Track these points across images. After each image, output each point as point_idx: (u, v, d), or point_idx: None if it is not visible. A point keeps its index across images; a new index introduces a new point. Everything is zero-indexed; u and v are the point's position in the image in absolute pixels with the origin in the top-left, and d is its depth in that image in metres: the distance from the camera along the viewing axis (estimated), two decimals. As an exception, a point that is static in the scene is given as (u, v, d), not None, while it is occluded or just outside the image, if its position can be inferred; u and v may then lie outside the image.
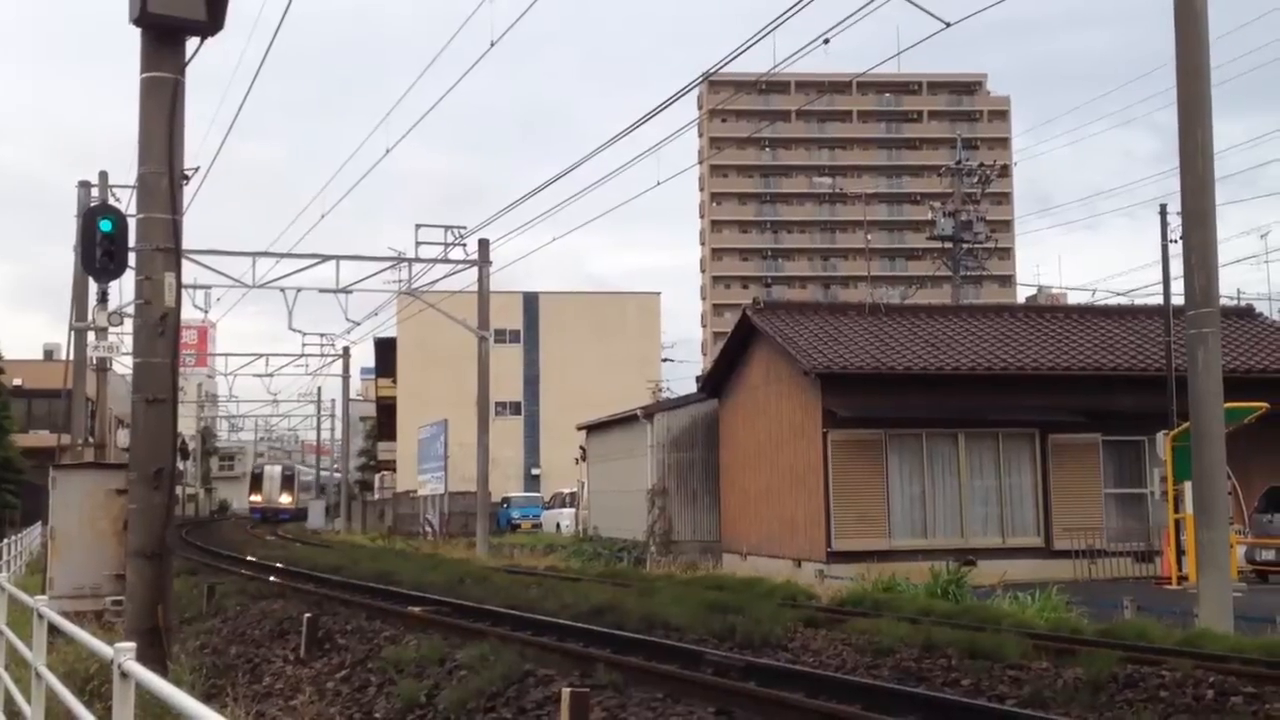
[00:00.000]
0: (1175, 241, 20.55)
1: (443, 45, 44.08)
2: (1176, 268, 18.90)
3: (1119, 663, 10.22)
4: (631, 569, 27.30)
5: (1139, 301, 37.07)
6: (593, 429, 41.48)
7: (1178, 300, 18.04)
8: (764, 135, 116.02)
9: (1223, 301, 19.73)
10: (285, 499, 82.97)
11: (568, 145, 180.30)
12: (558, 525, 50.28)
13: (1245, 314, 30.72)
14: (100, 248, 10.66)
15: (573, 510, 48.78)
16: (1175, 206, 14.80)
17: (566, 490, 53.01)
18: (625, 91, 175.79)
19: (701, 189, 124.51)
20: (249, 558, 29.24)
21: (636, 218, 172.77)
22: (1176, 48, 14.38)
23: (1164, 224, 25.07)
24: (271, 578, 21.73)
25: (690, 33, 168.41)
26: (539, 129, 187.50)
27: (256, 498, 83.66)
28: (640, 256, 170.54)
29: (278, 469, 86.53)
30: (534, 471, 69.15)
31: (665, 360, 74.29)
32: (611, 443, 38.76)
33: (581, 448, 43.86)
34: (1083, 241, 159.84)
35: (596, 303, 73.62)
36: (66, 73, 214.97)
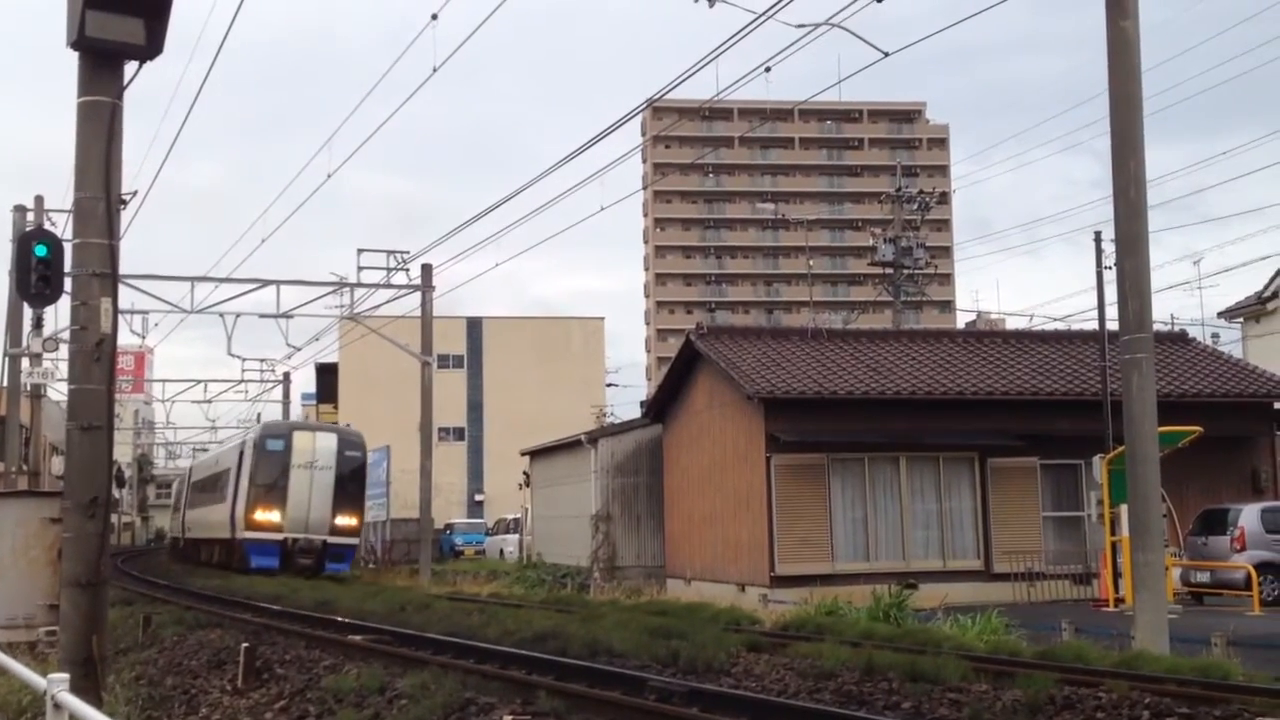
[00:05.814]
0: (1110, 268, 20.86)
1: (385, 70, 43.97)
2: (1112, 294, 19.19)
3: (1056, 684, 10.33)
4: (575, 595, 27.20)
5: (1076, 327, 37.63)
6: (537, 454, 41.36)
7: (1113, 326, 18.30)
8: (707, 161, 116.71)
9: (1157, 327, 20.07)
10: (347, 521, 35.09)
11: (514, 169, 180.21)
12: (501, 551, 50.00)
13: (1179, 339, 31.23)
14: (35, 273, 10.51)
15: (517, 536, 48.53)
16: (1112, 233, 15.01)
17: (510, 516, 52.74)
18: (571, 115, 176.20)
19: (645, 214, 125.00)
20: (186, 587, 28.82)
21: (581, 242, 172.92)
22: (1109, 77, 14.63)
23: (1099, 250, 25.40)
24: (209, 607, 21.42)
25: (635, 58, 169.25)
26: (485, 152, 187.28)
27: (271, 515, 34.20)
28: (585, 281, 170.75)
29: (331, 441, 35.70)
30: (477, 497, 68.77)
31: (609, 385, 74.33)
32: (556, 468, 38.67)
33: (525, 473, 43.70)
34: (1023, 267, 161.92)
35: (540, 327, 73.54)
36: (1, 93, 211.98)
